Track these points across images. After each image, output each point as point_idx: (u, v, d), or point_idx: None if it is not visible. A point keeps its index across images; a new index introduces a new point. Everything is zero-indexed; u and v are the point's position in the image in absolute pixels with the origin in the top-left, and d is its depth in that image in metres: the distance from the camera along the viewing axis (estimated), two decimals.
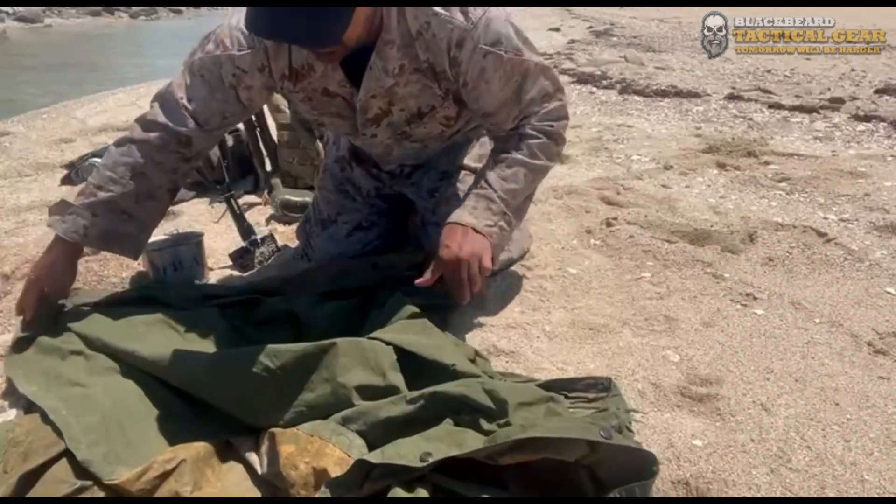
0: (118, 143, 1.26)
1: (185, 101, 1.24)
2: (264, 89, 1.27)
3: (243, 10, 1.13)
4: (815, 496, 0.92)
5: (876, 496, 0.92)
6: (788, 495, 0.92)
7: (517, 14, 13.65)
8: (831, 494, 0.93)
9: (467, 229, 1.19)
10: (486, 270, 1.17)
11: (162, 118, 1.24)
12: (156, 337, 1.20)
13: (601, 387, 1.09)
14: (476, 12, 1.15)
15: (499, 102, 1.23)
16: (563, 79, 5.14)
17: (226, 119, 1.29)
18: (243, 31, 1.19)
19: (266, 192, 2.18)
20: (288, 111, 2.15)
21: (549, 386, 1.09)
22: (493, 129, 1.32)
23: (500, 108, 1.25)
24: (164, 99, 1.26)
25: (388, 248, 1.60)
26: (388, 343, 1.06)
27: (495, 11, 1.17)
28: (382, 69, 1.20)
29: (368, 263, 1.48)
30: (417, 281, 1.19)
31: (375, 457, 0.83)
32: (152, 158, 1.25)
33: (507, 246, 1.38)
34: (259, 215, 2.07)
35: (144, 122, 1.26)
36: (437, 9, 1.14)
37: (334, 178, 1.61)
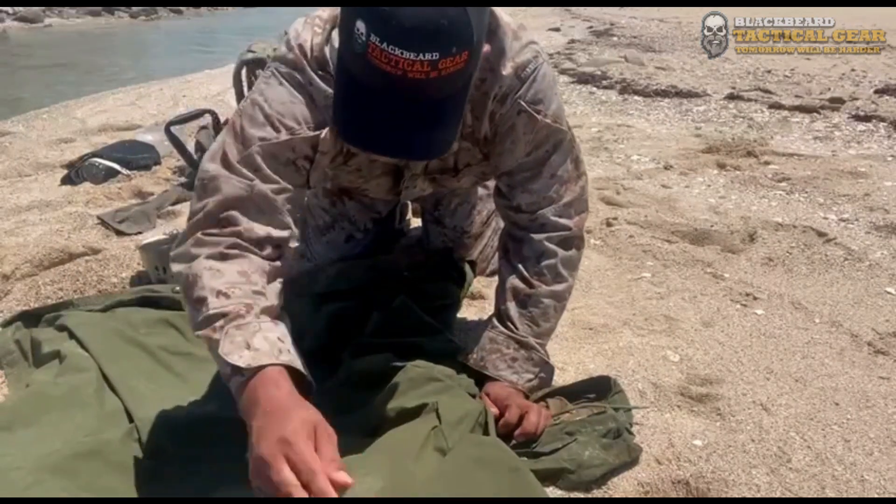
0: (222, 256, 0.88)
1: (274, 198, 0.93)
2: (329, 165, 1.06)
3: (247, 87, 0.94)
4: (815, 496, 0.92)
5: (876, 496, 0.92)
6: (788, 495, 0.92)
7: (517, 14, 13.67)
8: (831, 494, 0.93)
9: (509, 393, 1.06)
10: (548, 416, 1.05)
11: (259, 228, 0.91)
12: (158, 339, 1.20)
13: (603, 387, 1.09)
14: (529, 69, 1.01)
15: (518, 165, 1.09)
16: (563, 79, 5.15)
17: (301, 206, 1.03)
18: (303, 103, 0.94)
19: None
20: None
21: (551, 393, 1.09)
22: (509, 209, 1.15)
23: (518, 172, 1.10)
24: (244, 204, 0.91)
25: (387, 249, 1.60)
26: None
27: (546, 68, 1.03)
28: None
29: (367, 265, 1.48)
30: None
31: None
32: (269, 260, 0.94)
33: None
34: None
35: (239, 237, 0.90)
36: (498, 63, 0.98)
37: (324, 212, 1.51)
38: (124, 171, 2.49)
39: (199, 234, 0.89)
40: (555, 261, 1.11)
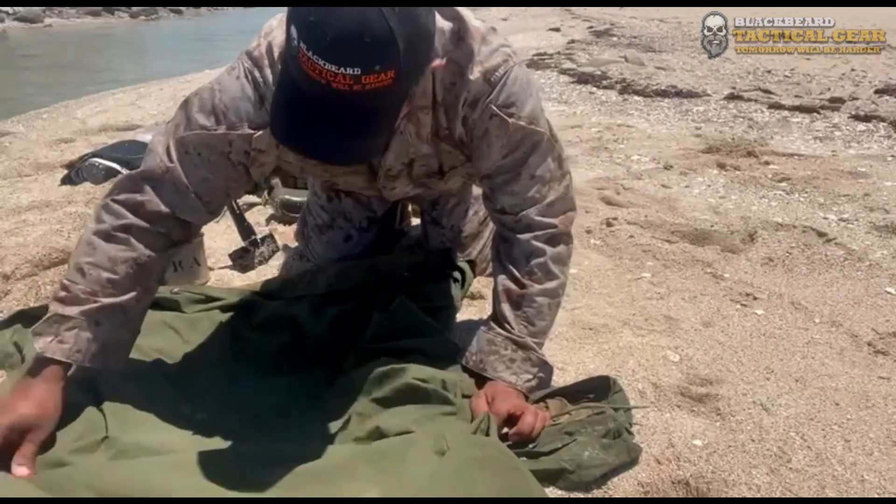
0: (108, 236, 1.00)
1: (186, 182, 1.03)
2: (274, 162, 1.12)
3: (221, 70, 1.02)
4: (815, 496, 0.92)
5: (876, 496, 0.92)
6: (788, 495, 0.92)
7: (518, 14, 13.67)
8: (831, 494, 0.93)
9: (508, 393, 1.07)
10: (545, 418, 1.05)
11: (165, 205, 1.02)
12: (155, 340, 1.20)
13: (603, 387, 1.09)
14: (498, 73, 1.01)
15: (495, 168, 1.09)
16: (563, 79, 5.15)
17: (228, 196, 1.13)
18: (251, 101, 1.00)
19: (266, 191, 2.18)
20: None
21: (551, 394, 1.09)
22: (494, 211, 1.16)
23: (497, 174, 1.10)
24: (159, 180, 1.02)
25: (387, 249, 1.60)
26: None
27: (518, 71, 1.03)
28: (416, 135, 1.08)
29: (367, 265, 1.48)
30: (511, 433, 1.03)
31: None
32: (154, 249, 1.04)
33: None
34: (259, 215, 2.07)
35: (140, 209, 1.02)
36: (466, 68, 1.00)
37: (322, 211, 1.54)
38: (124, 171, 2.48)
39: (109, 200, 1.02)
40: (544, 259, 1.11)
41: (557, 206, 1.11)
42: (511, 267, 1.13)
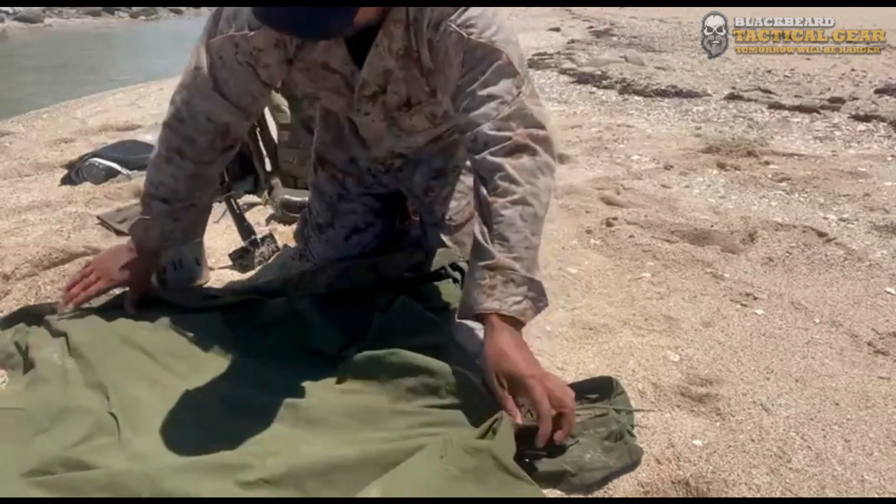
0: (166, 160, 1.25)
1: (213, 84, 1.18)
2: (283, 63, 1.21)
3: None
4: (815, 496, 0.92)
5: (876, 496, 0.92)
6: (788, 495, 0.92)
7: (518, 14, 13.67)
8: (831, 494, 0.93)
9: (519, 344, 1.01)
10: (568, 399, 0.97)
11: (200, 113, 1.21)
12: (160, 340, 1.20)
13: (605, 388, 1.09)
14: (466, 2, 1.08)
15: (456, 88, 1.10)
16: (564, 79, 5.15)
17: (255, 99, 1.24)
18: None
19: (266, 192, 2.18)
20: (288, 111, 2.15)
21: None
22: (463, 142, 1.16)
23: (458, 94, 1.10)
24: (190, 87, 1.20)
25: (387, 249, 1.60)
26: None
27: (487, 7, 1.09)
28: (388, 48, 1.16)
29: (367, 265, 1.48)
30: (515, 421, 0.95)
31: None
32: (204, 162, 1.26)
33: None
34: (259, 215, 2.07)
35: (182, 126, 1.22)
36: None
37: (325, 209, 1.59)
38: (124, 171, 2.49)
39: (165, 121, 1.25)
40: (504, 172, 1.05)
41: (514, 120, 1.07)
42: (481, 189, 1.09)
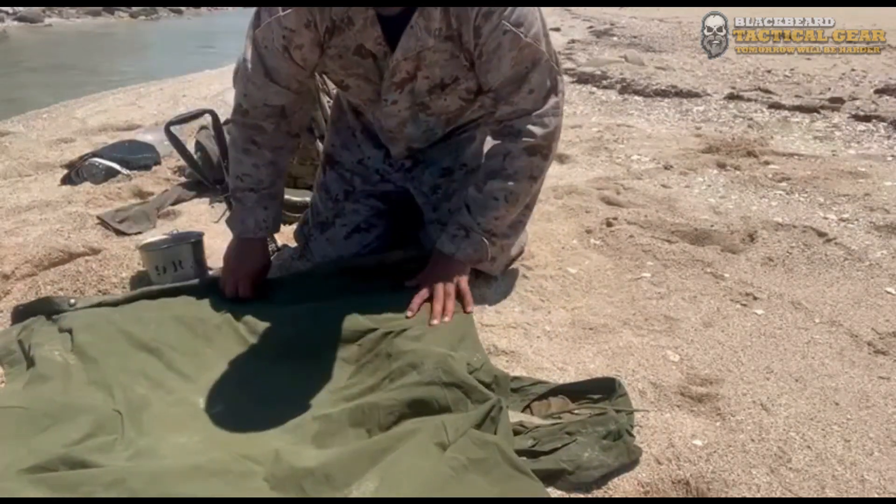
0: (244, 151, 1.38)
1: (262, 72, 1.30)
2: (315, 46, 1.28)
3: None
4: (815, 496, 0.92)
5: (876, 496, 0.92)
6: (788, 495, 0.92)
7: None
8: (831, 494, 0.93)
9: (449, 259, 1.36)
10: (464, 291, 1.34)
11: (259, 101, 1.33)
12: (167, 338, 1.21)
13: (607, 388, 1.09)
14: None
15: (503, 80, 1.28)
16: (564, 79, 5.14)
17: (300, 83, 1.35)
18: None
19: None
20: None
21: (554, 391, 1.09)
22: (491, 124, 1.37)
23: (503, 87, 1.29)
24: (242, 78, 1.33)
25: (387, 250, 1.60)
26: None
27: (530, 7, 1.25)
28: (425, 28, 1.23)
29: (368, 263, 1.49)
30: (408, 283, 1.36)
31: None
32: (277, 146, 1.40)
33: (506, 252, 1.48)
34: None
35: (247, 116, 1.35)
36: None
37: (330, 206, 1.62)
38: (124, 171, 2.49)
39: (230, 119, 1.42)
40: (517, 162, 1.31)
41: (545, 118, 1.31)
42: (490, 162, 1.34)
